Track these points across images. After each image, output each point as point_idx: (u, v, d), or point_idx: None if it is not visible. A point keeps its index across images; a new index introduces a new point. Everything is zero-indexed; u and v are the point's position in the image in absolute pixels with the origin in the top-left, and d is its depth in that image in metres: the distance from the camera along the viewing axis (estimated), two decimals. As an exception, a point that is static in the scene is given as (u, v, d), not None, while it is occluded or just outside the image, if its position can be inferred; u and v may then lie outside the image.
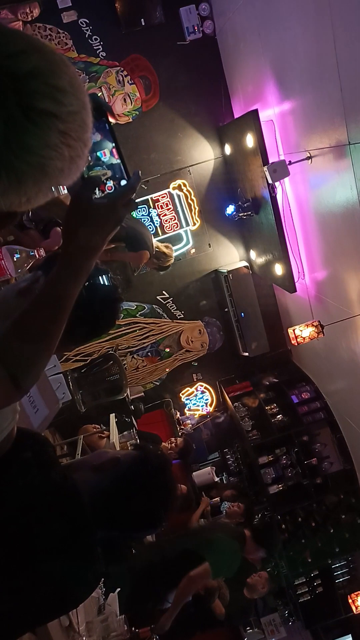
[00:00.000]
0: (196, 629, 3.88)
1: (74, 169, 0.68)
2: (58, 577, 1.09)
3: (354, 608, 5.03)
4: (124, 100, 5.06)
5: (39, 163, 0.62)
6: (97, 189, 0.89)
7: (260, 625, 5.34)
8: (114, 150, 0.93)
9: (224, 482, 5.77)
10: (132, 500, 1.17)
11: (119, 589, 2.47)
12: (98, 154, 0.94)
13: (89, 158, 0.90)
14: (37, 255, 1.80)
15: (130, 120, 5.13)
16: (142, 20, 4.86)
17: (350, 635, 5.37)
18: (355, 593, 5.05)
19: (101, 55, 4.95)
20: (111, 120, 0.90)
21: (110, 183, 0.92)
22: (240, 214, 4.88)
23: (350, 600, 5.06)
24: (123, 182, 0.92)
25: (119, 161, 0.93)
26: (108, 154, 0.94)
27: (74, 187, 0.83)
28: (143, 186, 5.18)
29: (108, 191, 0.89)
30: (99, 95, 4.88)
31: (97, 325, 1.26)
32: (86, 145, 0.68)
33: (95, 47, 4.92)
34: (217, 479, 5.58)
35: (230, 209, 5.04)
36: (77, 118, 0.65)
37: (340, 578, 5.37)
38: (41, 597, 1.10)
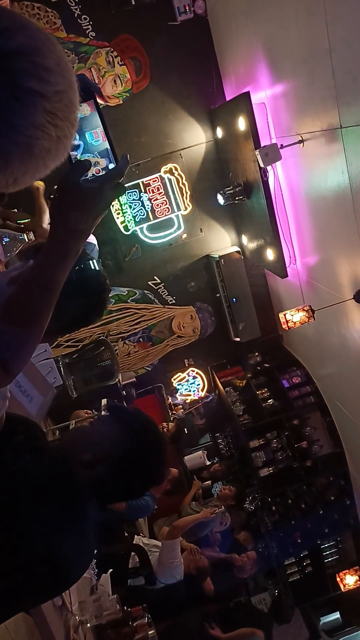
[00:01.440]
0: (188, 608, 3.97)
1: (62, 150, 0.67)
2: (52, 558, 1.11)
3: (342, 586, 5.15)
4: (114, 81, 4.97)
5: (26, 143, 0.61)
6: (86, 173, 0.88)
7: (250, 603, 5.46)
8: (102, 132, 0.92)
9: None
10: (129, 455, 1.17)
11: (111, 570, 2.51)
12: (88, 134, 0.93)
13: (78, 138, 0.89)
14: (25, 239, 1.78)
15: (121, 102, 5.05)
16: (132, -1, 4.76)
17: (338, 612, 5.51)
18: (344, 572, 5.17)
19: (91, 35, 4.85)
20: (100, 102, 0.89)
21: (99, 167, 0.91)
22: (229, 201, 4.85)
23: (338, 579, 5.18)
24: (111, 166, 0.92)
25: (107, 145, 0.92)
26: (99, 135, 0.93)
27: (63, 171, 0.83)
28: (134, 170, 5.13)
29: (96, 174, 0.88)
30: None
31: (86, 314, 1.26)
32: (73, 125, 0.67)
33: (84, 27, 4.82)
34: (208, 463, 5.65)
35: (220, 200, 5.00)
36: (64, 97, 0.64)
37: (329, 558, 5.48)
38: (35, 579, 1.11)
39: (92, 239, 3.92)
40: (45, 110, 0.61)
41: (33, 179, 0.68)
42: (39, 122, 0.61)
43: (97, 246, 4.17)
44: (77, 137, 0.91)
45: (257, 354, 5.89)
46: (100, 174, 0.89)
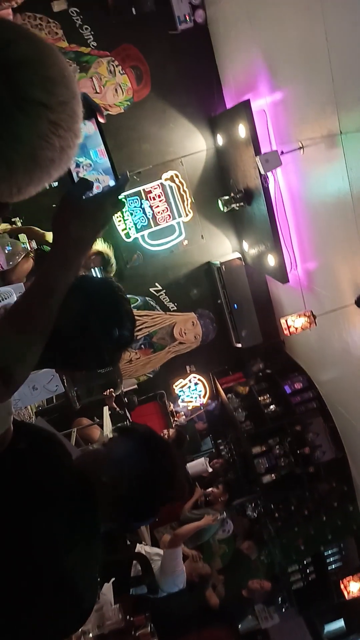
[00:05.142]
0: (194, 624, 3.92)
1: (65, 160, 0.68)
2: (73, 597, 1.03)
3: (345, 593, 5.10)
4: (115, 90, 5.01)
5: (30, 153, 0.62)
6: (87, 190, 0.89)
7: (254, 612, 5.41)
8: (102, 150, 0.94)
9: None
10: (146, 475, 1.14)
11: (113, 579, 2.50)
12: (92, 152, 0.94)
13: (82, 154, 0.90)
14: (28, 248, 1.79)
15: (122, 110, 5.09)
16: (133, 9, 4.80)
17: (342, 619, 5.46)
18: (347, 579, 5.12)
19: (92, 45, 4.90)
20: (101, 120, 0.91)
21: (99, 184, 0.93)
22: (229, 207, 4.86)
23: (342, 586, 5.13)
24: (112, 183, 0.93)
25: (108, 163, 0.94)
26: (104, 152, 0.94)
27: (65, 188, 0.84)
28: (135, 177, 5.16)
29: (96, 191, 0.90)
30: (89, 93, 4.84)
31: (107, 333, 1.13)
32: (77, 135, 0.68)
33: (86, 37, 4.87)
34: (210, 470, 5.62)
35: (221, 206, 4.99)
36: (68, 108, 0.65)
37: (333, 565, 5.44)
38: (55, 619, 1.03)
39: None
40: (49, 120, 0.62)
41: (37, 189, 0.69)
42: (43, 132, 0.62)
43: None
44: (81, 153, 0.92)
45: (259, 359, 5.87)
46: (100, 190, 0.91)
